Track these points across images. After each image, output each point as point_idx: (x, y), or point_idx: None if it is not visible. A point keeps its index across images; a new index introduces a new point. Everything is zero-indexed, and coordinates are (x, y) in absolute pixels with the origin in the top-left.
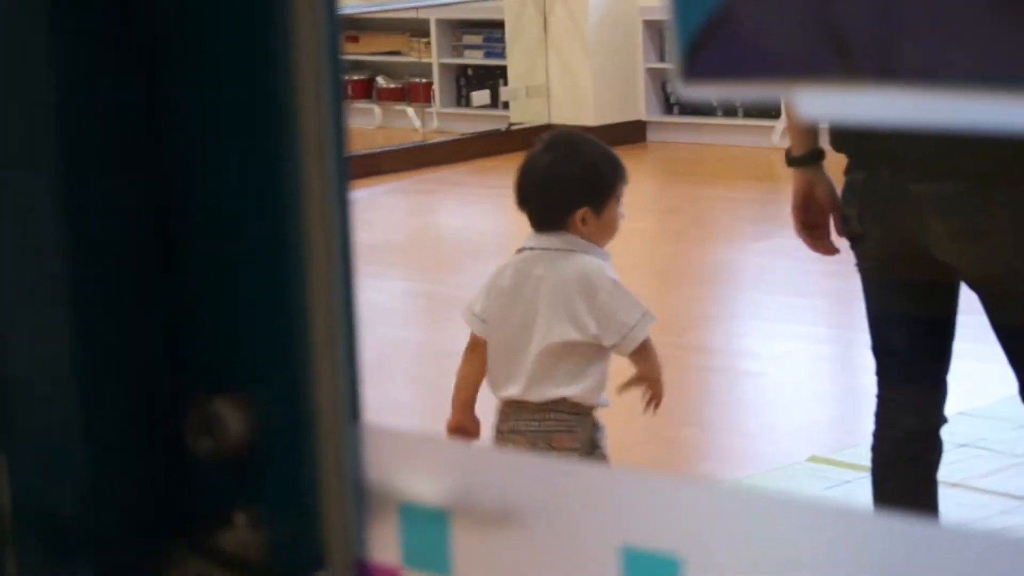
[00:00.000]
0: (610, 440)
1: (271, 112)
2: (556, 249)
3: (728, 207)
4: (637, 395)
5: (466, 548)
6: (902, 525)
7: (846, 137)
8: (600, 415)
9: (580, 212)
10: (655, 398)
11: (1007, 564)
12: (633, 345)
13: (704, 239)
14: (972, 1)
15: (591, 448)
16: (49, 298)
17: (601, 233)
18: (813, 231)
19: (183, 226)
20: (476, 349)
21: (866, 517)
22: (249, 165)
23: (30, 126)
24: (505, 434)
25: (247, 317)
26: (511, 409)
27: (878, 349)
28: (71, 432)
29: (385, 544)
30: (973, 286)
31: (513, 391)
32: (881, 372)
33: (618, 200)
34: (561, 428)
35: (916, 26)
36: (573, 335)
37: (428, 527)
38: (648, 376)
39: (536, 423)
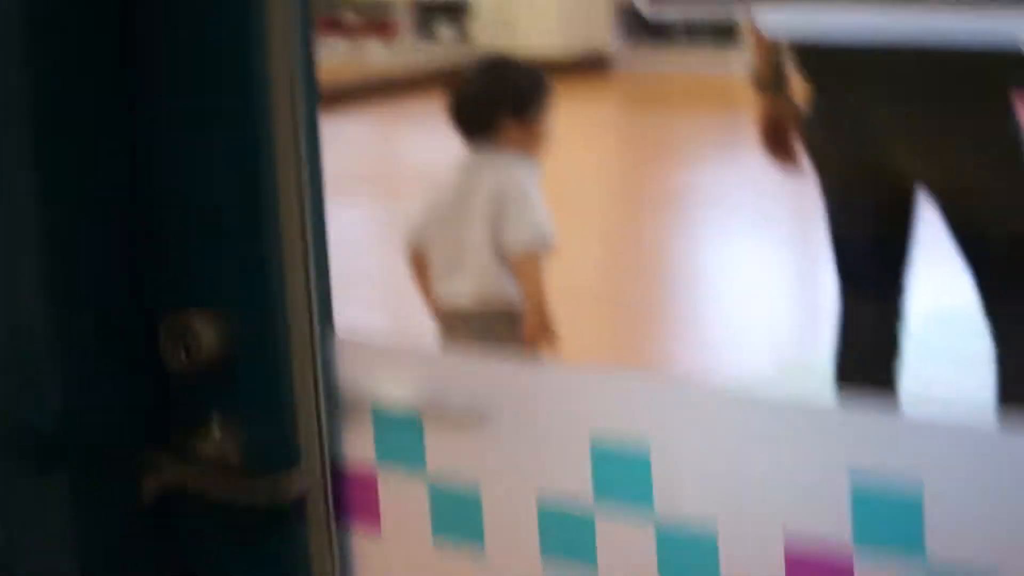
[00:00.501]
0: (569, 351)
1: (241, 39)
2: (484, 158)
3: (691, 133)
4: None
5: (439, 447)
6: (862, 416)
7: (808, 59)
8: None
9: (505, 122)
10: (530, 330)
11: (965, 452)
12: (510, 252)
13: (667, 163)
14: None
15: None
16: (19, 216)
17: (528, 143)
18: (779, 153)
19: (155, 145)
20: (422, 265)
21: (826, 409)
22: (222, 90)
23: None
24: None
25: (220, 233)
26: (456, 318)
27: (840, 264)
28: (47, 347)
29: (361, 446)
30: (934, 199)
31: (457, 300)
32: (843, 287)
33: (543, 112)
34: (505, 336)
35: None
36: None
37: (401, 428)
38: (528, 297)
39: (480, 330)
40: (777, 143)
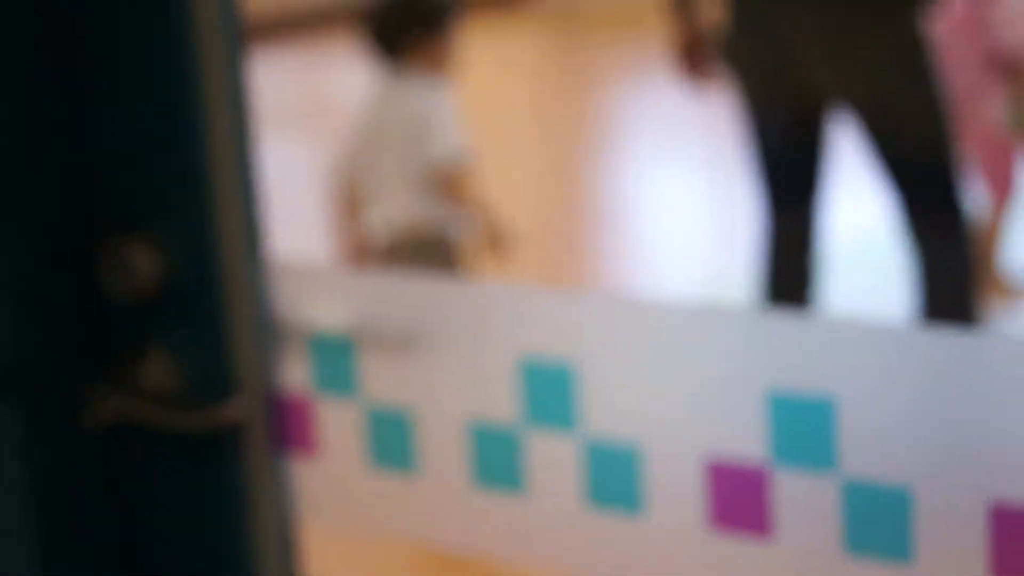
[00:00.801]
0: (498, 276)
1: None
2: (399, 83)
3: (608, 53)
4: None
5: (372, 372)
6: (789, 322)
7: None
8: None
9: (416, 41)
10: (488, 240)
11: (882, 358)
12: (440, 170)
13: (586, 88)
14: None
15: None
16: None
17: (438, 62)
18: (693, 72)
19: (90, 73)
20: (351, 202)
21: (753, 315)
22: (151, 23)
23: None
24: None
25: (153, 161)
26: (386, 251)
27: (759, 180)
28: None
29: (295, 372)
30: (850, 110)
31: (385, 230)
32: (763, 203)
33: (452, 30)
34: (437, 263)
35: None
36: (416, 165)
37: (335, 354)
38: (473, 208)
39: (411, 259)
40: (690, 62)
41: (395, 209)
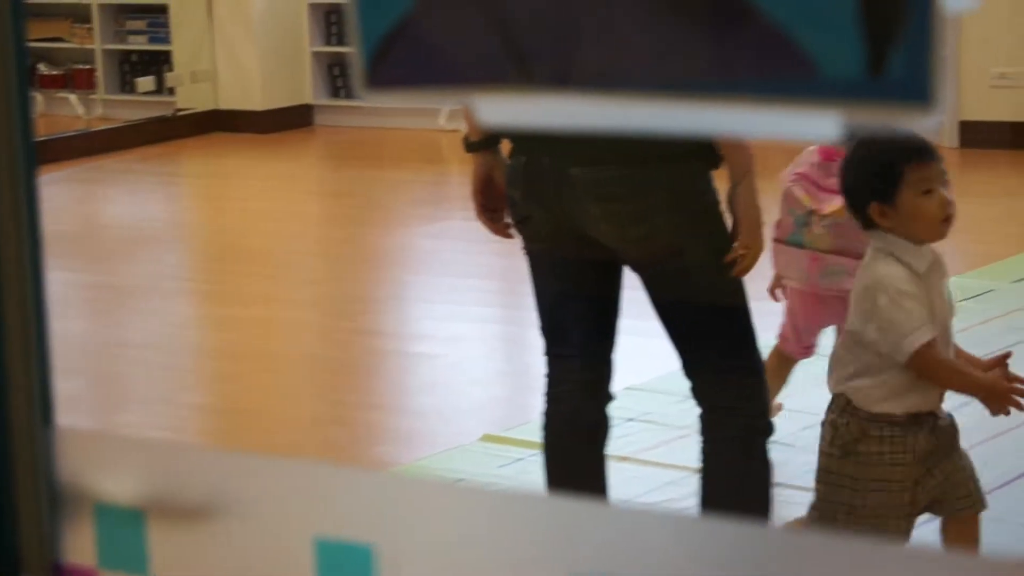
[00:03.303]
0: (280, 422)
1: None
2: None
3: (398, 190)
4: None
5: (163, 546)
6: (572, 505)
7: None
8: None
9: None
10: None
11: (669, 536)
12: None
13: (375, 222)
14: (639, 17)
15: None
16: None
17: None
18: (492, 214)
19: None
20: None
21: (540, 499)
22: None
23: None
24: None
25: None
26: None
27: (546, 329)
28: None
29: (81, 545)
30: (632, 267)
31: None
32: (549, 352)
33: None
34: None
35: (590, 37)
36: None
37: (123, 527)
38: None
39: None
40: (487, 203)
41: None
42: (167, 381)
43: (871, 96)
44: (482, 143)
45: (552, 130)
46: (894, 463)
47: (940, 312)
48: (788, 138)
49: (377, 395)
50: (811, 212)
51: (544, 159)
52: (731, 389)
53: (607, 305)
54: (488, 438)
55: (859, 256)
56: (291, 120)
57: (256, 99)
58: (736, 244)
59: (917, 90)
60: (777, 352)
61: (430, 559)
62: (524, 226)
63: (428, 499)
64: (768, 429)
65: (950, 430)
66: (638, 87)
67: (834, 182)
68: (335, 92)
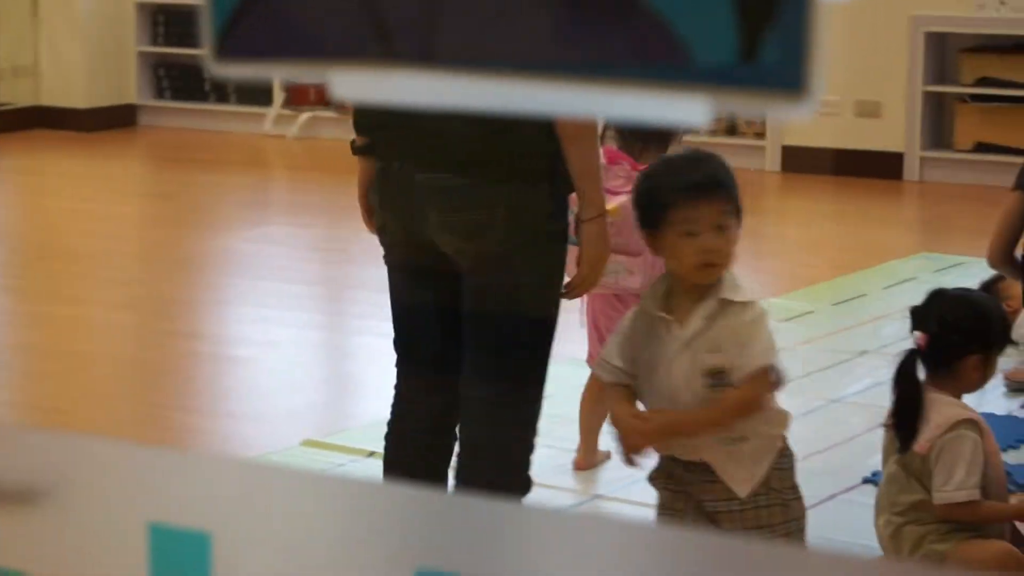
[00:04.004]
0: (93, 423)
1: None
2: None
3: (221, 194)
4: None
5: None
6: (418, 495)
7: (364, 125)
8: None
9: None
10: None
11: (520, 530)
12: None
13: (196, 225)
14: None
15: None
16: None
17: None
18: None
19: None
20: None
21: (385, 489)
22: None
23: None
24: None
25: None
26: None
27: (398, 342)
28: None
29: None
30: (464, 276)
31: None
32: (400, 365)
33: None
34: None
35: (455, 13)
36: None
37: None
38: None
39: None
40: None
41: None
42: None
43: (743, 82)
44: (368, 147)
45: (399, 132)
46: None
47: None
48: (658, 122)
49: (193, 398)
50: None
51: (395, 164)
52: (500, 432)
53: (458, 318)
54: (308, 443)
55: (638, 253)
56: (115, 119)
57: (79, 96)
58: (574, 277)
59: (789, 77)
60: (593, 379)
61: (268, 547)
62: (382, 235)
63: (268, 486)
64: (526, 486)
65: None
66: (505, 66)
67: (616, 184)
68: (160, 93)
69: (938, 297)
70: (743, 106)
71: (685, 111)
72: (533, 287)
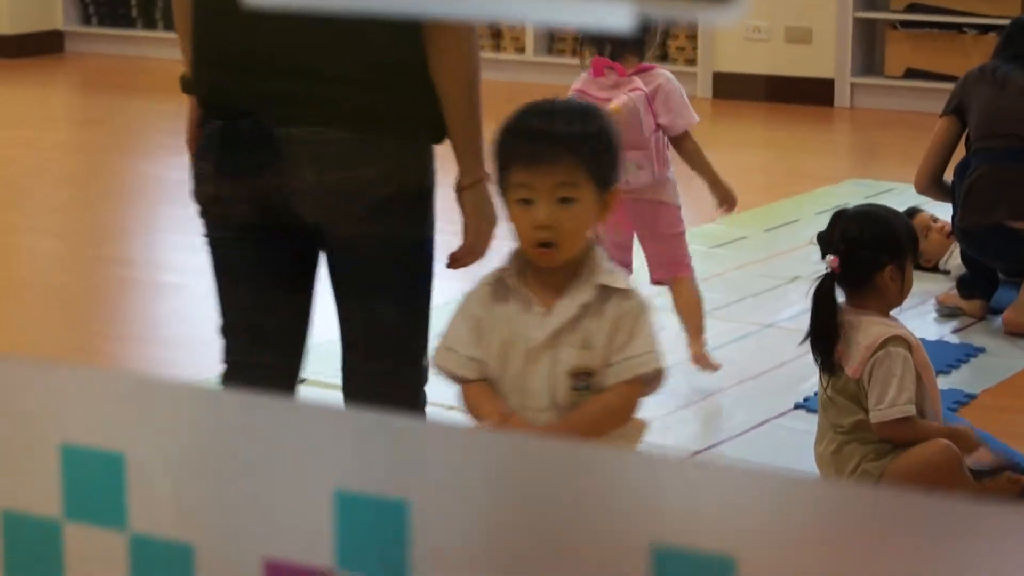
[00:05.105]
0: (24, 351)
1: None
2: None
3: (149, 120)
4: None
5: None
6: (336, 414)
7: (200, 77)
8: None
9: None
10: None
11: (451, 450)
12: None
13: (126, 152)
14: None
15: None
16: None
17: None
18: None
19: None
20: None
21: (303, 407)
22: None
23: None
24: None
25: None
26: None
27: (230, 332)
28: None
29: None
30: (328, 241)
31: None
32: (232, 359)
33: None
34: None
35: None
36: None
37: None
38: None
39: None
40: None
41: None
42: None
43: None
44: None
45: (254, 80)
46: None
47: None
48: (581, 25)
49: (125, 325)
50: None
51: (246, 121)
52: (385, 394)
53: (308, 290)
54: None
55: (644, 147)
56: (40, 46)
57: (4, 23)
58: (462, 245)
59: None
60: None
61: (182, 466)
62: (211, 208)
63: (182, 404)
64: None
65: None
66: None
67: (605, 92)
68: (87, 19)
69: (840, 217)
70: (669, 10)
71: (608, 14)
72: (412, 249)
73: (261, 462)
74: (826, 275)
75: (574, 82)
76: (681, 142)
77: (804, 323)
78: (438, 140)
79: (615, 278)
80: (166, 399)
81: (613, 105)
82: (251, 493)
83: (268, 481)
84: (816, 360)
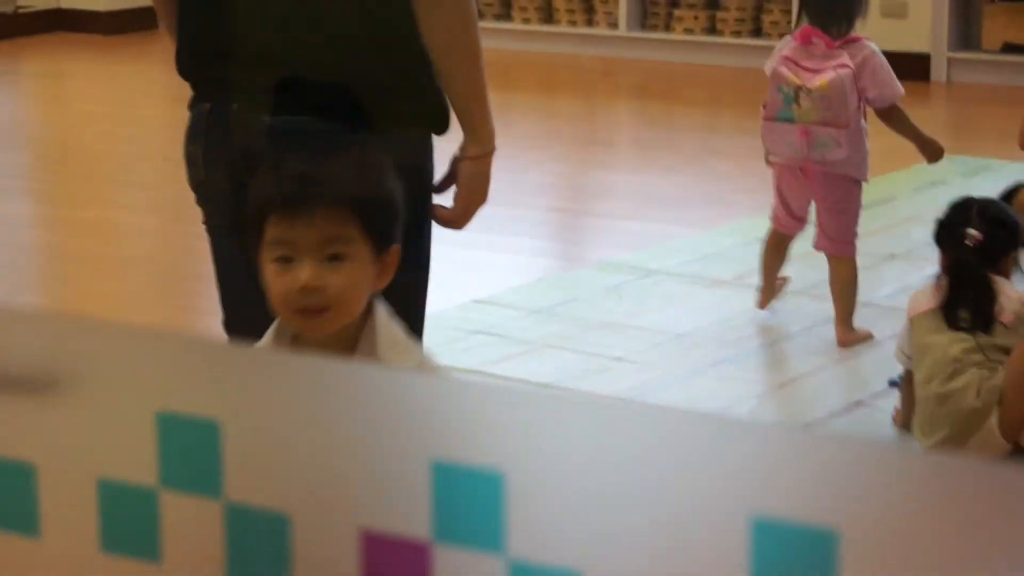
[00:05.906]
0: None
1: None
2: None
3: None
4: None
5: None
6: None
7: (192, 58)
8: None
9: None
10: None
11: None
12: None
13: None
14: None
15: None
16: None
17: None
18: None
19: None
20: None
21: (394, 377)
22: None
23: None
24: None
25: None
26: None
27: (232, 325)
28: None
29: None
30: None
31: None
32: (227, 324)
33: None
34: None
35: None
36: None
37: None
38: None
39: None
40: None
41: None
42: (2, 281)
43: None
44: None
45: (244, 64)
46: None
47: None
48: None
49: (216, 301)
50: (799, 88)
51: (234, 104)
52: None
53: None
54: None
55: (846, 125)
56: (137, 22)
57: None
58: (446, 210)
59: None
60: (773, 232)
61: (277, 435)
62: (206, 193)
63: (277, 373)
64: None
65: None
66: None
67: (813, 62)
68: None
69: (973, 202)
70: None
71: None
72: (409, 241)
73: (358, 432)
74: (967, 247)
75: (780, 47)
76: (889, 114)
77: (899, 302)
78: (439, 130)
79: (397, 351)
80: (262, 368)
81: (821, 80)
82: (348, 463)
83: (365, 451)
84: (972, 320)
